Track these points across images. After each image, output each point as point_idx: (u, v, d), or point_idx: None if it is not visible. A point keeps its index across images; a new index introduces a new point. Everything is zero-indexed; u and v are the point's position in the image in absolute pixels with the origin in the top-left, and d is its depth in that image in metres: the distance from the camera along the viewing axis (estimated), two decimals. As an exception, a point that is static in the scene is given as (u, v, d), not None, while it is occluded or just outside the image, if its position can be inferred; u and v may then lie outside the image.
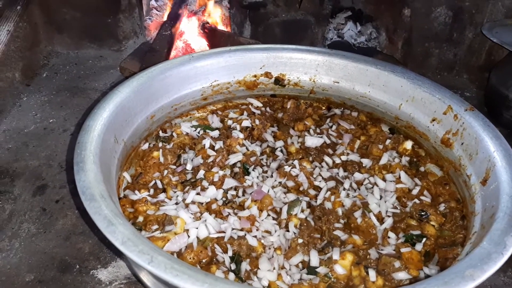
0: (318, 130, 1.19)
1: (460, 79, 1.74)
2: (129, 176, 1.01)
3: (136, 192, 0.97)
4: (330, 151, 1.13)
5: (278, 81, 1.30)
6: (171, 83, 1.16)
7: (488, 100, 1.52)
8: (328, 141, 1.14)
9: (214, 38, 1.74)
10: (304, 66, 1.29)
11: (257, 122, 1.19)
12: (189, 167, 1.04)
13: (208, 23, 1.76)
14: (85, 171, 0.75)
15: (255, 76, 1.28)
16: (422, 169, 1.10)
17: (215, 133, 1.15)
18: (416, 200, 0.99)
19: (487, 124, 0.98)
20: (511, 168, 0.84)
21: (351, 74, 1.25)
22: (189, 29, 1.79)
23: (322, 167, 1.06)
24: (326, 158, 1.09)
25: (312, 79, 1.29)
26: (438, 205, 0.98)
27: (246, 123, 1.18)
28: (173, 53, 1.69)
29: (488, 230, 0.72)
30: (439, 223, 0.94)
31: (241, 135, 1.14)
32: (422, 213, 0.95)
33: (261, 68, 1.28)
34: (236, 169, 1.05)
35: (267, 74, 1.29)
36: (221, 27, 1.79)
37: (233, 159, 1.06)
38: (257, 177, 1.04)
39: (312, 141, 1.12)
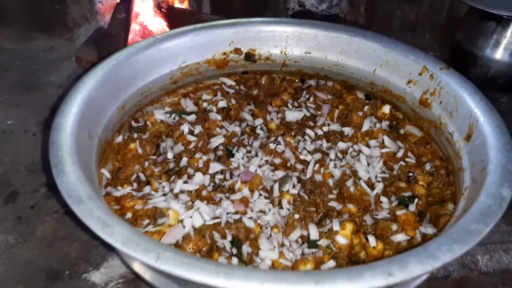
0: (296, 104, 1.17)
1: (423, 39, 1.76)
2: (107, 172, 0.95)
3: (119, 188, 0.92)
4: (311, 123, 1.11)
5: (249, 56, 1.26)
6: (138, 69, 1.10)
7: (454, 58, 1.55)
8: (308, 114, 1.12)
9: (173, 17, 1.65)
10: (273, 39, 1.25)
11: (233, 101, 1.16)
12: (170, 155, 1.00)
13: (163, 1, 1.67)
14: (65, 173, 0.69)
15: (224, 53, 1.24)
16: (402, 131, 1.11)
17: (192, 118, 1.10)
18: (402, 163, 1.00)
19: (464, 81, 1.00)
20: (494, 122, 0.86)
21: (322, 43, 1.23)
22: (144, 10, 1.69)
23: (306, 140, 1.05)
24: (308, 131, 1.08)
25: (283, 51, 1.26)
26: (423, 165, 1.00)
27: (222, 103, 1.15)
28: (130, 37, 1.60)
29: (482, 184, 0.74)
30: (427, 182, 0.96)
31: (219, 117, 1.10)
32: (410, 175, 0.97)
33: (229, 44, 1.23)
34: (220, 152, 1.02)
35: (237, 51, 1.24)
36: (178, 5, 1.70)
37: (215, 142, 1.03)
38: (242, 158, 1.01)
39: (293, 115, 1.10)
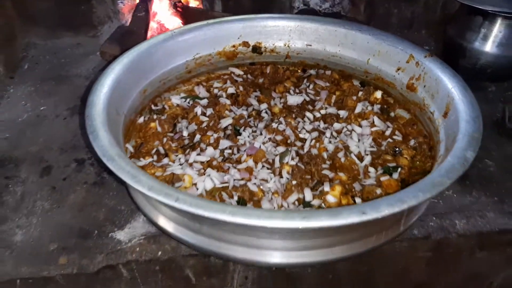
0: (297, 90, 1.31)
1: (419, 34, 1.88)
2: (131, 147, 1.10)
3: (141, 159, 1.06)
4: (310, 107, 1.25)
5: (256, 49, 1.40)
6: (158, 59, 1.24)
7: (446, 51, 1.66)
8: (307, 99, 1.26)
9: (188, 16, 1.80)
10: (278, 33, 1.39)
11: (240, 88, 1.30)
12: (185, 133, 1.14)
13: (180, 1, 1.82)
14: (99, 138, 0.84)
15: (233, 46, 1.38)
16: (392, 114, 1.24)
17: (204, 102, 1.25)
18: (390, 140, 1.13)
19: (445, 67, 1.12)
20: (467, 100, 0.99)
21: (322, 36, 1.36)
22: (161, 10, 1.85)
23: (305, 121, 1.18)
24: (308, 114, 1.21)
25: (286, 44, 1.40)
26: (408, 142, 1.12)
27: (231, 90, 1.29)
28: (149, 34, 1.75)
29: (451, 149, 0.86)
30: (411, 156, 1.08)
31: (228, 102, 1.24)
32: (396, 149, 1.09)
33: (238, 38, 1.37)
34: (228, 132, 1.15)
35: (245, 44, 1.38)
36: (192, 4, 1.85)
37: (224, 123, 1.17)
38: (248, 136, 1.15)
39: (294, 99, 1.24)
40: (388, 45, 1.25)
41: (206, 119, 1.16)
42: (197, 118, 1.17)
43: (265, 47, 1.40)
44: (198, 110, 1.19)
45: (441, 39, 1.72)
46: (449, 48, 1.63)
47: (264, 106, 1.26)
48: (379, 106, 1.24)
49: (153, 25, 1.84)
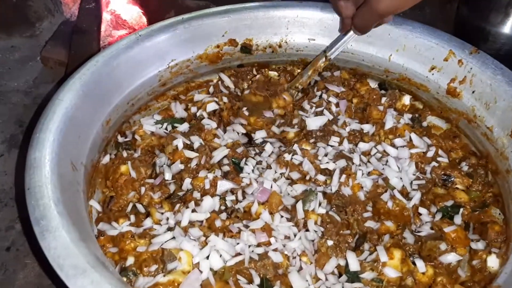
0: (310, 105, 1.00)
1: (422, 13, 1.63)
2: (97, 204, 0.80)
3: (113, 223, 0.77)
4: (335, 127, 0.95)
5: (245, 48, 1.10)
6: (122, 75, 0.93)
7: (458, 34, 1.43)
8: (330, 117, 0.96)
9: (149, 3, 1.46)
10: (272, 26, 1.10)
11: (224, 99, 1.00)
12: (168, 176, 0.84)
13: (138, -15, 1.47)
14: (52, 232, 0.54)
15: (217, 46, 1.08)
16: (424, 124, 1.00)
17: (185, 127, 0.94)
18: (434, 163, 0.89)
19: (500, 67, 0.88)
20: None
21: (328, 28, 1.08)
22: (115, -3, 1.50)
23: (326, 146, 0.91)
24: (334, 139, 0.92)
25: (283, 39, 1.11)
26: (458, 165, 0.89)
27: (212, 106, 0.99)
28: (103, 29, 1.41)
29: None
30: (466, 186, 0.85)
31: (214, 124, 0.94)
32: (445, 177, 0.86)
33: (223, 35, 1.07)
34: (226, 168, 0.87)
35: (232, 42, 1.08)
36: (154, -11, 1.51)
37: (218, 155, 0.88)
38: (253, 171, 0.87)
39: (314, 122, 0.94)
40: (417, 38, 1.00)
41: (194, 154, 0.87)
42: (180, 153, 0.87)
43: (256, 44, 1.11)
44: (179, 142, 0.88)
45: (451, 19, 1.49)
46: (463, 30, 1.40)
47: (261, 134, 0.95)
48: (409, 115, 0.99)
49: (106, 16, 1.48)
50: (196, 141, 0.90)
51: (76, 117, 0.77)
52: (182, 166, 0.86)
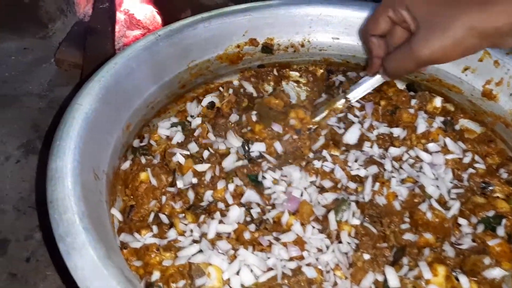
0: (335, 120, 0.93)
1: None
2: (118, 213, 0.76)
3: (135, 234, 0.73)
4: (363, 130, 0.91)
5: (266, 48, 1.06)
6: (141, 77, 0.89)
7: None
8: (356, 120, 0.92)
9: (164, 2, 1.43)
10: (294, 25, 1.05)
11: (230, 91, 0.97)
12: (180, 184, 0.79)
13: (152, -17, 1.44)
14: (78, 250, 0.50)
15: (238, 46, 1.03)
16: (457, 127, 0.95)
17: (179, 137, 0.88)
18: (471, 170, 0.84)
19: (543, 68, 0.82)
20: None
21: (354, 26, 1.03)
22: (128, -5, 1.46)
23: (357, 150, 0.87)
24: (367, 144, 0.88)
25: (306, 39, 1.07)
26: (497, 172, 0.84)
27: (208, 99, 0.95)
28: (117, 30, 1.37)
29: None
30: (507, 194, 0.80)
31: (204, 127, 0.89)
32: (484, 185, 0.81)
33: (243, 35, 1.03)
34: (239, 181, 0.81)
35: (252, 42, 1.04)
36: (168, -13, 1.47)
37: (229, 162, 0.83)
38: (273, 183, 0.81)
39: (351, 136, 0.88)
40: (450, 36, 0.94)
41: (205, 167, 0.81)
42: (188, 166, 0.82)
43: (278, 44, 1.06)
44: (179, 158, 0.82)
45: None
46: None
47: (259, 147, 0.86)
48: (441, 118, 0.94)
49: (119, 16, 1.45)
50: (194, 148, 0.84)
51: (96, 122, 0.73)
52: (195, 180, 0.80)
